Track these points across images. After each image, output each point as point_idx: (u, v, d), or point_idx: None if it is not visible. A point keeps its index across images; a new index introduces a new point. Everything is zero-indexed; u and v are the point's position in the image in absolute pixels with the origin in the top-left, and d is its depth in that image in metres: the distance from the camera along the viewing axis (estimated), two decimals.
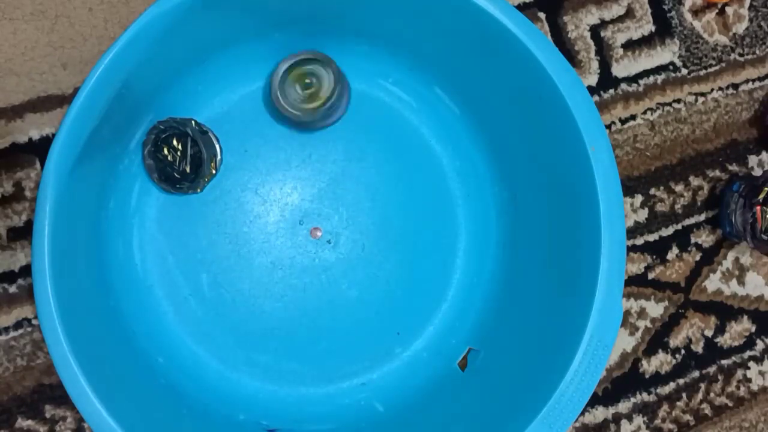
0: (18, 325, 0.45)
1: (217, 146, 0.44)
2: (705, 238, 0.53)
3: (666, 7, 0.53)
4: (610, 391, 0.51)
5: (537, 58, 0.39)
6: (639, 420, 0.51)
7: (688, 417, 0.52)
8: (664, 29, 0.53)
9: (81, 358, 0.35)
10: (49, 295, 0.35)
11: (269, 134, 0.46)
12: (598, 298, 0.38)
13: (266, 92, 0.46)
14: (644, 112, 0.53)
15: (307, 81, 0.44)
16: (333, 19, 0.43)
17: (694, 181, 0.53)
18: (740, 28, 0.54)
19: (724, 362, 0.53)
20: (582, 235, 0.40)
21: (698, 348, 0.53)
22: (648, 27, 0.53)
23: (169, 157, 0.43)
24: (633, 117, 0.52)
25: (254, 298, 0.45)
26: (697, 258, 0.53)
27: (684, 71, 0.53)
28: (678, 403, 0.52)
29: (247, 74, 0.45)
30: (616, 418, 0.51)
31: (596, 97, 0.52)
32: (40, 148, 0.46)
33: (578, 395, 0.37)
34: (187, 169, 0.43)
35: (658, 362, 0.52)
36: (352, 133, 0.47)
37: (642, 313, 0.52)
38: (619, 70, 0.52)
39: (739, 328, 0.53)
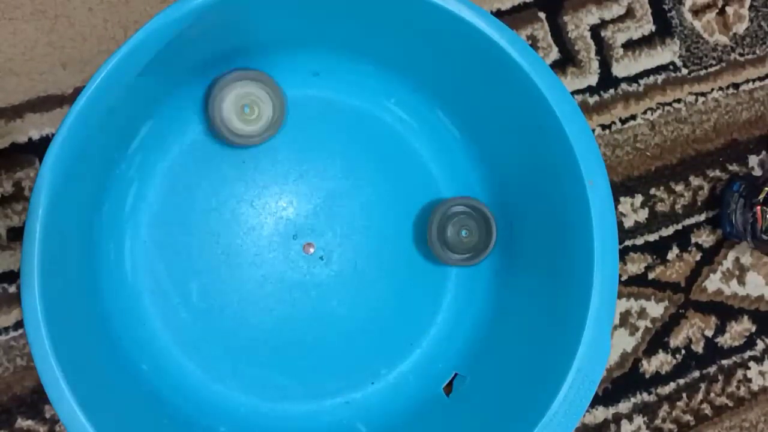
0: (18, 325, 0.44)
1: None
2: (705, 238, 0.53)
3: (666, 7, 0.53)
4: (610, 391, 0.51)
5: (539, 87, 0.38)
6: (639, 420, 0.51)
7: (688, 417, 0.52)
8: (664, 29, 0.53)
9: (63, 361, 0.34)
10: (35, 297, 0.33)
11: (268, 147, 0.45)
12: (587, 333, 0.37)
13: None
14: (644, 112, 0.52)
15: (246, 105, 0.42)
16: (339, 39, 0.42)
17: (695, 181, 0.53)
18: (740, 27, 0.54)
19: (725, 362, 0.52)
20: (574, 268, 0.39)
21: (698, 348, 0.52)
22: (648, 27, 0.52)
23: (464, 232, 0.44)
24: (633, 117, 0.52)
25: (243, 310, 0.44)
26: (698, 258, 0.52)
27: (684, 71, 0.53)
28: (678, 403, 0.52)
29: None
30: (617, 418, 0.51)
31: (596, 97, 0.51)
32: (39, 148, 0.45)
33: (562, 428, 0.36)
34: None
35: (659, 362, 0.51)
36: (351, 152, 0.46)
37: (642, 313, 0.52)
38: (619, 69, 0.52)
39: (740, 328, 0.53)
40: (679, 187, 0.52)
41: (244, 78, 0.42)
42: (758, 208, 0.48)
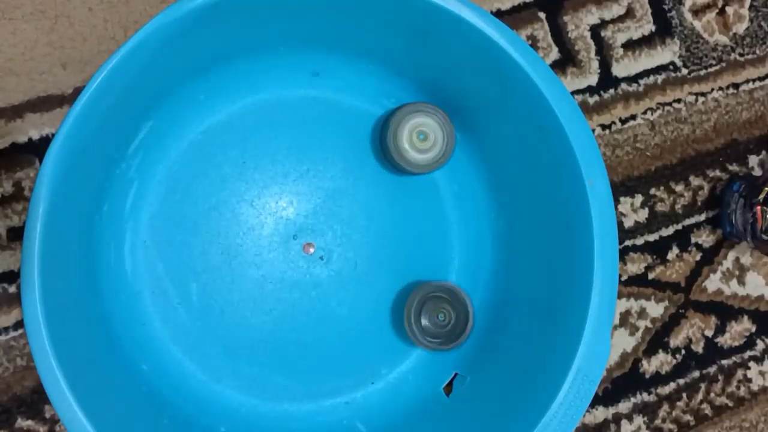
0: (18, 325, 0.44)
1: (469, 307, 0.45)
2: (705, 238, 0.53)
3: (666, 7, 0.53)
4: (610, 391, 0.51)
5: (539, 87, 0.38)
6: (639, 420, 0.51)
7: (688, 417, 0.52)
8: (664, 29, 0.52)
9: (63, 361, 0.34)
10: (36, 296, 0.34)
11: (268, 147, 0.45)
12: (587, 333, 0.37)
13: (268, 103, 0.45)
14: (644, 112, 0.52)
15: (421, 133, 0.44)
16: (339, 39, 0.42)
17: (695, 181, 0.53)
18: (740, 27, 0.54)
19: (725, 362, 0.52)
20: (575, 269, 0.39)
21: (698, 348, 0.52)
22: (648, 27, 0.52)
23: (440, 317, 0.44)
24: (633, 117, 0.52)
25: (243, 311, 0.44)
26: (698, 258, 0.52)
27: (684, 71, 0.53)
28: (678, 403, 0.52)
29: (249, 85, 0.44)
30: (617, 418, 0.51)
31: (596, 97, 0.51)
32: (39, 148, 0.45)
33: (562, 428, 0.36)
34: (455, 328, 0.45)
35: (659, 362, 0.51)
36: (352, 151, 0.46)
37: (642, 313, 0.51)
38: (619, 69, 0.52)
39: (740, 328, 0.53)
40: (679, 187, 0.52)
41: (419, 110, 0.44)
42: (758, 208, 0.48)
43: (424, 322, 0.45)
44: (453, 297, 0.45)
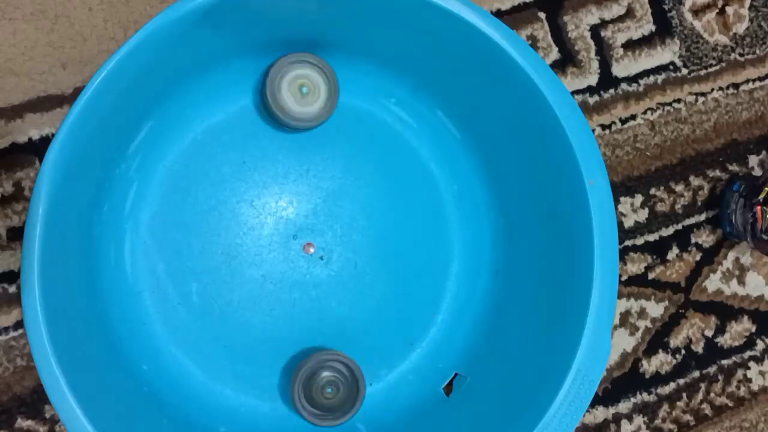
0: (18, 325, 0.44)
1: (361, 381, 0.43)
2: (705, 238, 0.53)
3: (666, 7, 0.53)
4: (610, 391, 0.51)
5: (539, 87, 0.38)
6: (639, 420, 0.51)
7: (688, 417, 0.52)
8: (664, 29, 0.53)
9: (63, 361, 0.34)
10: (36, 296, 0.33)
11: (268, 147, 0.45)
12: (587, 333, 0.37)
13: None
14: (644, 112, 0.52)
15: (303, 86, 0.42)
16: (339, 38, 0.42)
17: (695, 181, 0.53)
18: (740, 27, 0.54)
19: (725, 362, 0.52)
20: (575, 269, 0.39)
21: (698, 348, 0.52)
22: (648, 27, 0.52)
23: (328, 391, 0.43)
24: (633, 117, 0.52)
25: (243, 311, 0.44)
26: (698, 258, 0.52)
27: (684, 71, 0.53)
28: (678, 403, 0.52)
29: (249, 85, 0.44)
30: (617, 418, 0.51)
31: (596, 97, 0.51)
32: (39, 148, 0.45)
33: (562, 428, 0.36)
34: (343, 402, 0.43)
35: (659, 362, 0.51)
36: (352, 151, 0.46)
37: (642, 313, 0.51)
38: (619, 69, 0.52)
39: (740, 328, 0.53)
40: (679, 187, 0.52)
41: (301, 60, 0.42)
42: (758, 208, 0.48)
43: (313, 394, 0.43)
44: (344, 368, 0.43)
